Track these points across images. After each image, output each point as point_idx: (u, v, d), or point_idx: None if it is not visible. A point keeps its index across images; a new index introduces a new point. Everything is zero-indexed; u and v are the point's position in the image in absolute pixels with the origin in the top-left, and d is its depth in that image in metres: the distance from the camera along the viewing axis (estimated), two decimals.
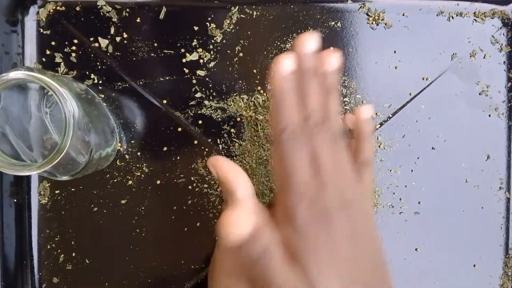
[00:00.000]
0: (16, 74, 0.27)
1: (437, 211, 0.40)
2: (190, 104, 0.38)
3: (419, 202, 0.39)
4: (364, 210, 0.24)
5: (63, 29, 0.37)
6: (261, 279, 0.22)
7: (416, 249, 0.40)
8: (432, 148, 0.40)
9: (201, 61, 0.38)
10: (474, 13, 0.39)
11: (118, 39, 0.37)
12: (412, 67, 0.39)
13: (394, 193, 0.39)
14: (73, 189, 0.38)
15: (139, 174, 0.38)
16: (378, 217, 0.39)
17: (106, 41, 0.37)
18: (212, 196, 0.38)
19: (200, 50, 0.38)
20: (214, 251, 0.26)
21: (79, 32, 0.37)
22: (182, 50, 0.38)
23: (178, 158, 0.38)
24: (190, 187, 0.38)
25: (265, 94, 0.38)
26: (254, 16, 0.38)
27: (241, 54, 0.38)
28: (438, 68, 0.39)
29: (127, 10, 0.37)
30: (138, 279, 0.38)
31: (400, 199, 0.39)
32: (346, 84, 0.39)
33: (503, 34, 0.40)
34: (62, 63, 0.37)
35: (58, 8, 0.37)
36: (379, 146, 0.39)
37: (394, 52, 0.39)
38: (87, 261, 0.38)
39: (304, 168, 0.23)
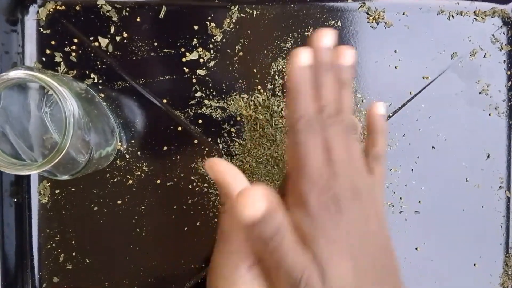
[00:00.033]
0: (16, 74, 0.27)
1: (437, 210, 0.40)
2: (190, 103, 0.38)
3: (419, 201, 0.39)
4: (374, 201, 0.25)
5: (63, 28, 0.37)
6: (271, 259, 0.22)
7: (416, 248, 0.40)
8: (432, 147, 0.40)
9: (201, 60, 0.38)
10: (474, 12, 0.39)
11: (118, 38, 0.37)
12: (412, 66, 0.39)
13: (394, 192, 0.39)
14: (73, 189, 0.38)
15: (139, 173, 0.38)
16: None
17: (106, 41, 0.37)
18: (212, 195, 0.38)
19: (200, 49, 0.38)
20: (214, 252, 0.26)
21: (79, 32, 0.37)
22: (182, 50, 0.38)
23: (178, 157, 0.38)
24: (190, 186, 0.38)
25: (265, 93, 0.38)
26: (254, 15, 0.38)
27: (241, 53, 0.38)
28: (438, 67, 0.39)
29: (127, 9, 0.37)
30: (138, 279, 0.38)
31: (400, 198, 0.39)
32: None
33: (503, 33, 0.40)
34: (62, 63, 0.37)
35: (58, 7, 0.37)
36: None
37: (394, 51, 0.39)
38: (88, 261, 0.38)
39: (317, 157, 0.23)
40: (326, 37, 0.26)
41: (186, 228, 0.38)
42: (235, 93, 0.38)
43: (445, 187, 0.40)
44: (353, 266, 0.22)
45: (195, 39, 0.38)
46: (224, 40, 0.38)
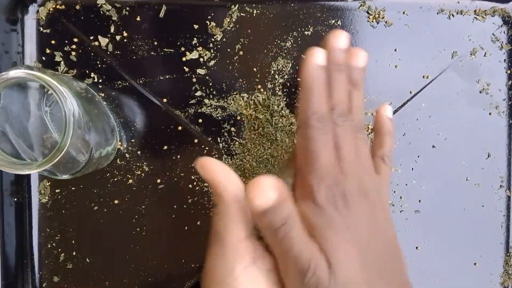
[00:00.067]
0: (16, 73, 0.27)
1: (437, 210, 0.39)
2: (190, 102, 0.38)
3: (419, 201, 0.39)
4: (380, 201, 0.25)
5: (63, 27, 0.37)
6: (280, 248, 0.22)
7: (416, 248, 0.40)
8: (433, 146, 0.39)
9: (201, 59, 0.38)
10: (475, 11, 0.39)
11: (118, 37, 0.37)
12: (413, 66, 0.39)
13: (394, 192, 0.39)
14: (73, 188, 0.38)
15: (139, 173, 0.38)
16: None
17: (106, 40, 0.37)
18: (212, 195, 0.38)
19: (200, 48, 0.38)
20: (206, 255, 0.25)
21: (79, 31, 0.37)
22: (182, 49, 0.38)
23: (179, 157, 0.38)
24: (190, 186, 0.38)
25: (265, 92, 0.38)
26: (254, 15, 0.38)
27: (241, 53, 0.38)
28: (438, 66, 0.39)
29: (127, 8, 0.37)
30: (139, 278, 0.38)
31: (400, 197, 0.39)
32: None
33: (504, 32, 0.39)
34: (62, 62, 0.37)
35: (58, 6, 0.37)
36: None
37: (395, 50, 0.39)
38: (88, 260, 0.38)
39: (327, 153, 0.24)
40: (340, 38, 0.26)
41: (186, 228, 0.38)
42: (235, 93, 0.38)
43: (445, 186, 0.40)
44: (361, 259, 0.22)
45: (195, 38, 0.38)
46: (224, 39, 0.38)
